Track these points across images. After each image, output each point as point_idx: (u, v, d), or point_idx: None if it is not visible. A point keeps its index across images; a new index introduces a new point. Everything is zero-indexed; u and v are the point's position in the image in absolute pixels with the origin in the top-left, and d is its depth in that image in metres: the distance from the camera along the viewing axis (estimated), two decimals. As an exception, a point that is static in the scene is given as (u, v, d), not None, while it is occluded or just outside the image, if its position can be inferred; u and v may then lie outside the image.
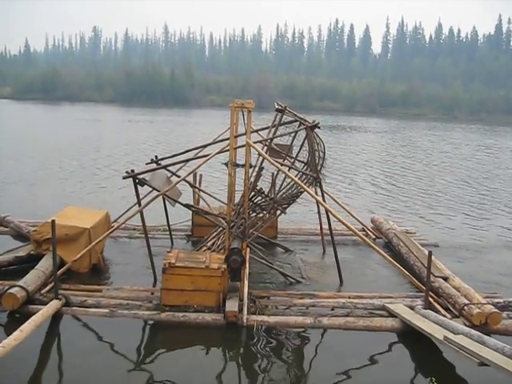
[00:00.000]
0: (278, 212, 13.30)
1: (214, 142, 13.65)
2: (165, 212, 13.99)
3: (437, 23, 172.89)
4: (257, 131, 13.49)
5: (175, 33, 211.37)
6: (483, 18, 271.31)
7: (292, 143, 13.53)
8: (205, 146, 14.02)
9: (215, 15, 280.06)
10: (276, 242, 14.55)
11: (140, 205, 11.95)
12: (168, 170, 13.46)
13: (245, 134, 11.08)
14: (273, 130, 13.10)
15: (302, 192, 12.48)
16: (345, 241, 14.59)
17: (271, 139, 12.92)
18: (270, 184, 12.99)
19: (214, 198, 15.34)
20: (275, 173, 13.18)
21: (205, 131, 46.61)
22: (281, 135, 13.15)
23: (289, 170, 12.72)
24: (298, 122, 13.01)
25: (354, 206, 19.23)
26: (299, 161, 13.47)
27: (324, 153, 12.89)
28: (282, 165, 12.23)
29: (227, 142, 12.47)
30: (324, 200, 12.85)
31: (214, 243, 12.61)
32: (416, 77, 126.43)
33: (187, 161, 13.54)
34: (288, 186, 13.34)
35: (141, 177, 11.99)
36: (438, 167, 33.62)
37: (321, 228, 14.19)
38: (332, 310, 10.09)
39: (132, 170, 12.02)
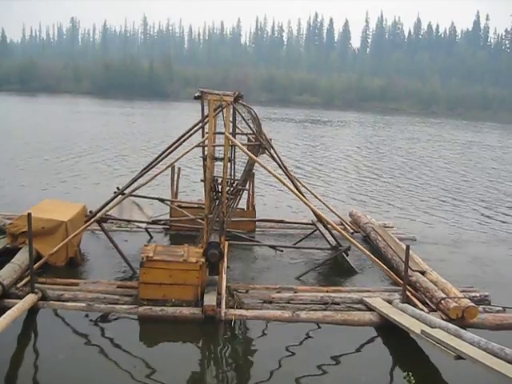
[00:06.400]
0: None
1: (173, 144, 13.23)
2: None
3: (416, 19, 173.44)
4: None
5: (154, 25, 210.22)
6: (462, 14, 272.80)
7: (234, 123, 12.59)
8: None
9: (194, 8, 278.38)
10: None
11: (112, 241, 12.03)
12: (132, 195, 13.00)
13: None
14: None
15: (253, 164, 12.14)
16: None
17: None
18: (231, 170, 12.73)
19: (187, 205, 15.05)
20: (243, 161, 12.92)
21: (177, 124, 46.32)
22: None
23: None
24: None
25: (331, 200, 19.25)
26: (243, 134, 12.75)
27: (258, 118, 12.28)
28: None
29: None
30: (283, 166, 12.78)
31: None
32: (394, 71, 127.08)
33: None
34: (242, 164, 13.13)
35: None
36: (414, 162, 33.82)
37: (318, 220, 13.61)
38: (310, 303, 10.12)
39: (90, 211, 12.71)
